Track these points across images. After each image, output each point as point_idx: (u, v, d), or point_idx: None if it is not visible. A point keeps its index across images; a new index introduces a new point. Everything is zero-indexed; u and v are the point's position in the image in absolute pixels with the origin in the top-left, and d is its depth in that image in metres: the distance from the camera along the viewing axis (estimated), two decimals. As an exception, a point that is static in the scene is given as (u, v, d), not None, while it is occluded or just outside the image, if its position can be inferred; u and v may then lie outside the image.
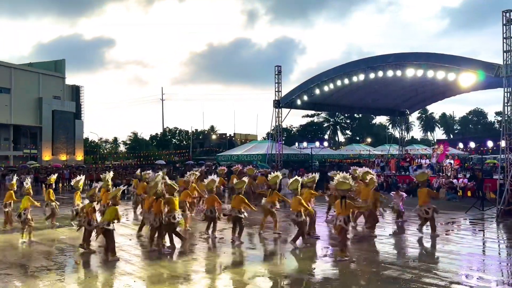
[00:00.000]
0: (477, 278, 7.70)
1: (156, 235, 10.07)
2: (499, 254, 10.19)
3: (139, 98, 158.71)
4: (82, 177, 13.10)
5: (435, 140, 58.00)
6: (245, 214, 10.92)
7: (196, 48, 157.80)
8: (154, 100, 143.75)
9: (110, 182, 12.93)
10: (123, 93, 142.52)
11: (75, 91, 60.24)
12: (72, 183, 12.71)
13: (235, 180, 14.10)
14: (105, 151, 75.51)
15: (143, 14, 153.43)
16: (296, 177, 10.99)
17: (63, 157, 53.79)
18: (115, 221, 9.23)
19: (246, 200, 10.96)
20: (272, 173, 12.42)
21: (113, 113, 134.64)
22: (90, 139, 72.07)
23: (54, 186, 14.10)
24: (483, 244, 11.03)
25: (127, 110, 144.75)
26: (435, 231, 11.23)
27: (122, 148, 78.25)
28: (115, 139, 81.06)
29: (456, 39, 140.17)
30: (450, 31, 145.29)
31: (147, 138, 76.53)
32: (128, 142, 77.16)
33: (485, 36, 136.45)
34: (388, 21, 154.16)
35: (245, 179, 11.74)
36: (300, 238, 10.21)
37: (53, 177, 15.17)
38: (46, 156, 52.74)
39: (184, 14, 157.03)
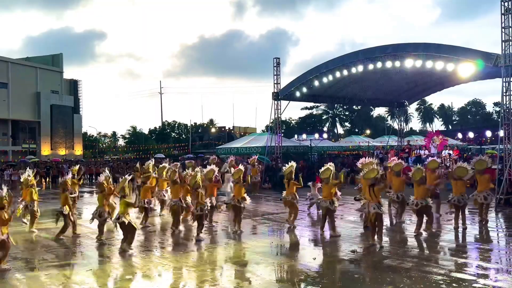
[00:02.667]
0: (476, 266, 7.75)
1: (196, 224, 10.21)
2: (498, 242, 10.25)
3: (135, 91, 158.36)
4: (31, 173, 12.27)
5: (433, 131, 58.01)
6: (246, 203, 11.00)
7: (187, 41, 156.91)
8: (150, 94, 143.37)
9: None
10: (116, 87, 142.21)
11: (73, 85, 60.08)
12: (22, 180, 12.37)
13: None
14: (104, 145, 75.47)
15: (131, 6, 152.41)
16: (328, 165, 11.01)
17: (62, 151, 53.77)
18: (129, 213, 9.18)
19: (244, 189, 11.06)
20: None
21: (110, 106, 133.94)
22: (88, 133, 72.04)
23: (77, 177, 13.97)
24: (482, 233, 11.07)
25: (124, 104, 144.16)
26: (487, 216, 11.73)
27: (121, 142, 78.23)
28: (114, 133, 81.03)
29: (448, 30, 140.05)
30: (442, 21, 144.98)
31: (146, 132, 76.50)
32: (127, 136, 77.10)
33: (477, 26, 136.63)
34: (378, 12, 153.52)
35: (241, 167, 11.74)
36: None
37: (76, 167, 15.14)
38: (45, 150, 52.68)
39: (174, 5, 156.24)
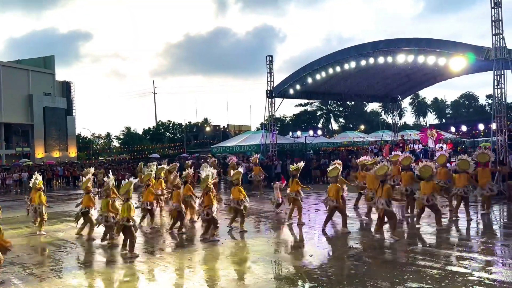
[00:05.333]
0: (471, 259, 7.82)
1: (208, 226, 10.18)
2: (493, 235, 10.32)
3: (126, 92, 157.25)
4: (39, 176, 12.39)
5: (427, 125, 58.36)
6: (246, 204, 11.00)
7: (173, 39, 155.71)
8: (141, 94, 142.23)
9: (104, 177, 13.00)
10: (104, 87, 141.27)
11: (66, 87, 59.74)
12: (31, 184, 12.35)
13: (232, 172, 14.16)
14: (98, 146, 75.12)
15: (114, 5, 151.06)
16: (336, 164, 11.09)
17: (56, 154, 53.48)
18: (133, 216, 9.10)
19: (243, 190, 11.08)
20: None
21: (101, 107, 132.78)
22: (82, 135, 71.71)
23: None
24: (477, 226, 11.18)
25: (115, 105, 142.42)
26: (489, 209, 12.05)
27: (115, 143, 77.91)
28: (108, 134, 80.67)
29: (432, 23, 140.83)
30: (426, 15, 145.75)
31: (140, 132, 76.20)
32: (121, 137, 76.79)
33: (461, 19, 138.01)
34: (362, 7, 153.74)
35: (241, 169, 11.78)
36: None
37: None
38: (39, 153, 52.41)
39: (158, 4, 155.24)
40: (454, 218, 11.44)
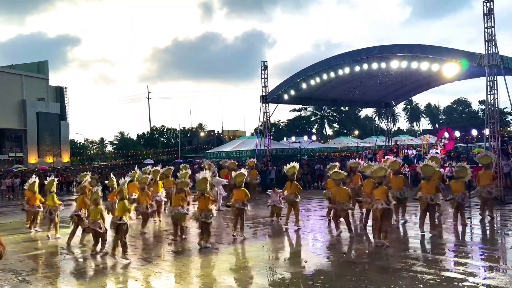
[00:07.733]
0: (466, 265, 7.85)
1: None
2: (487, 240, 10.37)
3: (119, 97, 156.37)
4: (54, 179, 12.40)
5: (420, 130, 58.63)
6: (248, 207, 10.98)
7: (162, 44, 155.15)
8: (134, 99, 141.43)
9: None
10: (95, 93, 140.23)
11: (59, 92, 59.47)
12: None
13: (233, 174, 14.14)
14: (92, 152, 74.73)
15: (100, 9, 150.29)
16: (337, 168, 11.11)
17: (49, 159, 53.13)
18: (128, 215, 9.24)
19: (247, 192, 11.07)
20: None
21: (93, 112, 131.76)
22: (76, 140, 71.34)
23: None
24: (471, 231, 11.22)
25: (107, 110, 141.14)
26: (493, 213, 12.11)
27: (109, 148, 77.57)
28: (102, 140, 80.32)
29: (420, 28, 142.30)
30: (413, 20, 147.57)
31: (134, 137, 75.94)
32: (115, 142, 76.51)
33: (448, 25, 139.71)
34: (349, 12, 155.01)
35: (244, 171, 11.69)
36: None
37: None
38: (32, 159, 52.04)
39: (146, 10, 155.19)
40: (452, 223, 11.46)
